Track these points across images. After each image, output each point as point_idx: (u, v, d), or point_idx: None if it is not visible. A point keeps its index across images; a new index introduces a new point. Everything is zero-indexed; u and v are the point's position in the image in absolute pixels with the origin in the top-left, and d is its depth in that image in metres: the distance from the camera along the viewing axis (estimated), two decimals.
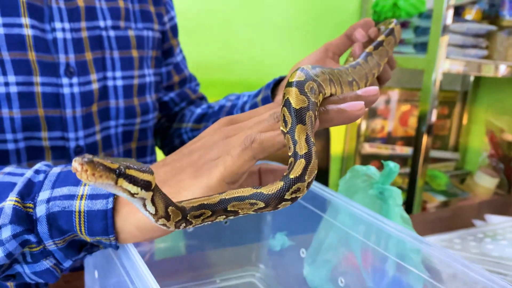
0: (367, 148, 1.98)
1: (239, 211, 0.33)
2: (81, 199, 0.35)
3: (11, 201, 0.35)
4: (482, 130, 2.27)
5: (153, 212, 0.30)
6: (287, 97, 0.35)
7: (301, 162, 0.33)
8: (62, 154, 0.62)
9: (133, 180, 0.27)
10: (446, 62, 1.61)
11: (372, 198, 0.57)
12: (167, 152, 0.83)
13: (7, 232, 0.34)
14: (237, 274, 0.65)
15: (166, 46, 0.77)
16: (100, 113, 0.65)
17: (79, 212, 0.35)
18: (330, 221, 0.57)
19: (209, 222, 0.34)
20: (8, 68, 0.55)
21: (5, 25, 0.55)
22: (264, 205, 0.33)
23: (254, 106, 0.65)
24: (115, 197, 0.36)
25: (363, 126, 1.99)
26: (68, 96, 0.60)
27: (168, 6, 0.77)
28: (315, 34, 1.80)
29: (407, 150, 2.06)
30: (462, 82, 2.27)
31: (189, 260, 0.65)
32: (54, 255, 0.37)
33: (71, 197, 0.35)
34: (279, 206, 0.33)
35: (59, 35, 0.59)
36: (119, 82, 0.66)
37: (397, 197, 0.56)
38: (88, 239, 0.36)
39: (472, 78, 2.25)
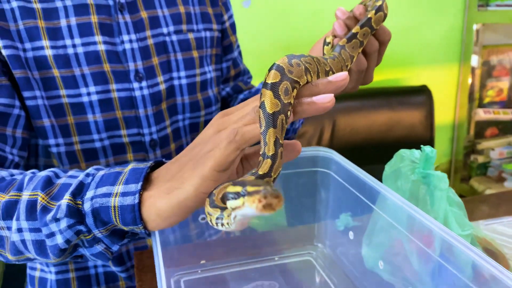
0: (481, 114, 1.82)
1: None
2: (115, 196, 0.43)
3: (65, 199, 0.44)
4: None
5: None
6: (263, 100, 0.39)
7: (267, 162, 0.39)
8: (140, 148, 0.72)
9: None
10: None
11: (415, 183, 0.57)
12: None
13: (63, 223, 0.44)
14: (295, 253, 0.70)
15: (226, 43, 0.84)
16: (169, 109, 0.74)
17: (114, 207, 0.43)
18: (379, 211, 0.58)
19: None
20: (88, 80, 0.66)
21: (83, 44, 0.66)
22: None
23: None
24: (141, 193, 0.43)
25: (476, 90, 1.83)
26: (139, 98, 0.70)
27: (227, 5, 0.82)
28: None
29: None
30: None
31: (251, 239, 0.72)
32: (103, 241, 0.46)
33: (108, 195, 0.43)
34: None
35: (127, 46, 0.68)
36: (184, 81, 0.74)
37: (441, 182, 0.55)
38: (125, 228, 0.44)
39: None
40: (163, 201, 0.42)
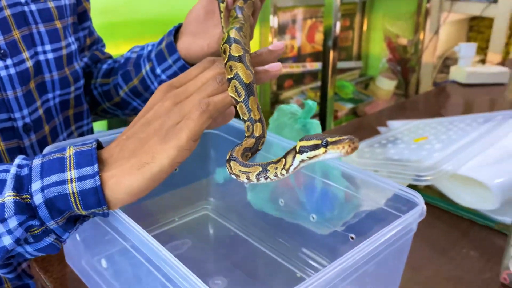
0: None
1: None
2: (71, 182, 0.42)
3: (9, 196, 0.41)
4: (380, 37, 2.47)
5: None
6: (237, 72, 0.44)
7: (258, 125, 0.45)
8: (12, 134, 0.65)
9: None
10: None
11: (298, 131, 0.69)
12: None
13: (13, 222, 0.40)
14: (192, 210, 0.76)
15: (80, 10, 0.79)
16: (38, 88, 0.68)
17: (73, 193, 0.42)
18: (265, 155, 0.68)
19: None
20: None
21: None
22: (251, 154, 0.46)
23: (160, 53, 0.70)
24: (100, 175, 0.43)
25: None
26: (6, 79, 0.62)
27: None
28: None
29: (317, 65, 2.21)
30: None
31: (146, 207, 0.74)
32: (55, 232, 0.44)
33: (62, 182, 0.42)
34: (256, 153, 0.46)
35: None
36: (50, 55, 0.69)
37: (317, 127, 0.68)
38: (84, 212, 0.43)
39: None
40: (133, 177, 0.42)
